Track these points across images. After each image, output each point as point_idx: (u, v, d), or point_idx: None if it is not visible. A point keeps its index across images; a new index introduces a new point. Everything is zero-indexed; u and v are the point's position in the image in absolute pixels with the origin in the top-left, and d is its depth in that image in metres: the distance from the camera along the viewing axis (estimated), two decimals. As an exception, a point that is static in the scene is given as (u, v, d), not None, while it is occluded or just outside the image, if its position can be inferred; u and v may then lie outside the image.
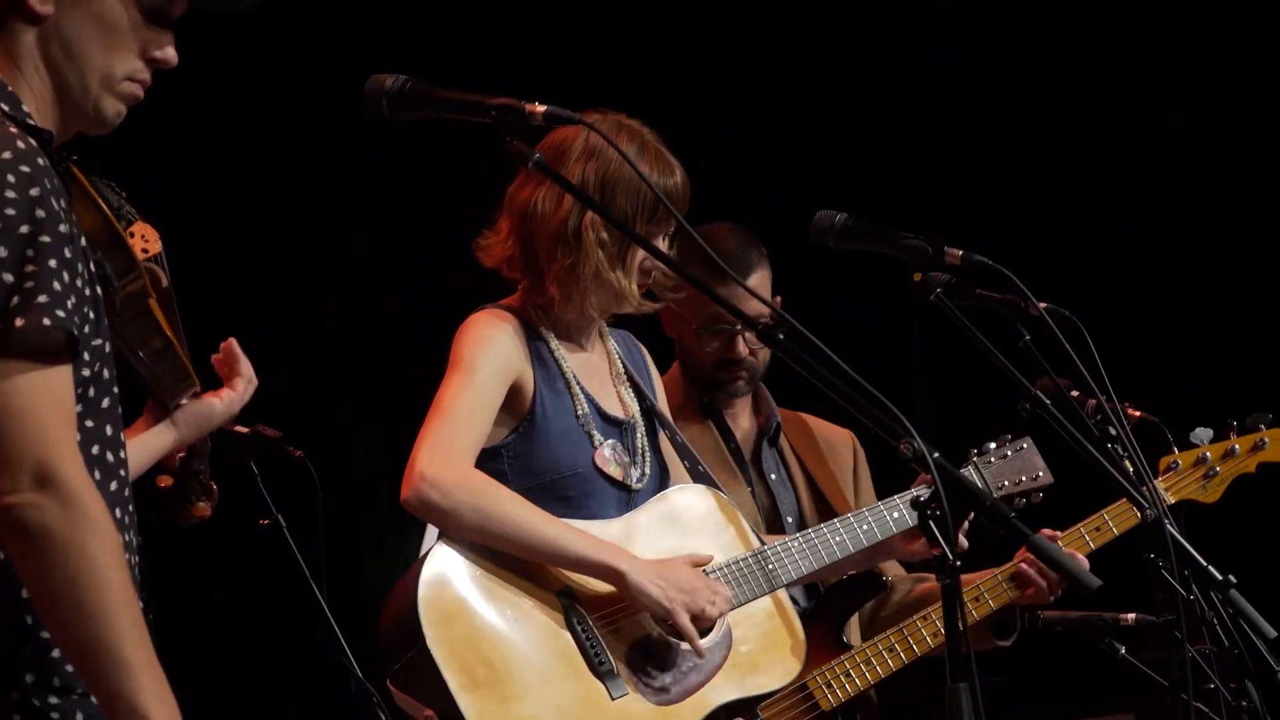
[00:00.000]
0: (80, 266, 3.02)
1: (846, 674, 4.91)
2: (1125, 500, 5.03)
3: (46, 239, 2.93)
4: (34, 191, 2.94)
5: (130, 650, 2.91)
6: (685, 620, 4.39)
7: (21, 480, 2.89)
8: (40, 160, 2.98)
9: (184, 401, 3.73)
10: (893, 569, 5.30)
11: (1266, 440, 5.14)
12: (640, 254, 4.47)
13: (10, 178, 2.94)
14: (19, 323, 2.90)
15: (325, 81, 6.75)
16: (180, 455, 3.81)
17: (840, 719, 4.91)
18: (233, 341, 3.81)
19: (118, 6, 3.15)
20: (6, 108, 3.08)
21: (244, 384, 3.79)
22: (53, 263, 2.93)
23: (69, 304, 2.94)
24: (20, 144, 2.97)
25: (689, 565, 4.47)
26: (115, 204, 3.42)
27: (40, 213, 2.94)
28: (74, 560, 2.90)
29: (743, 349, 5.23)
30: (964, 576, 5.01)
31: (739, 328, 5.19)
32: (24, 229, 2.92)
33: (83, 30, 3.14)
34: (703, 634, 4.45)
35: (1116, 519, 5.05)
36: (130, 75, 3.18)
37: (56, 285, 2.93)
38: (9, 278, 2.92)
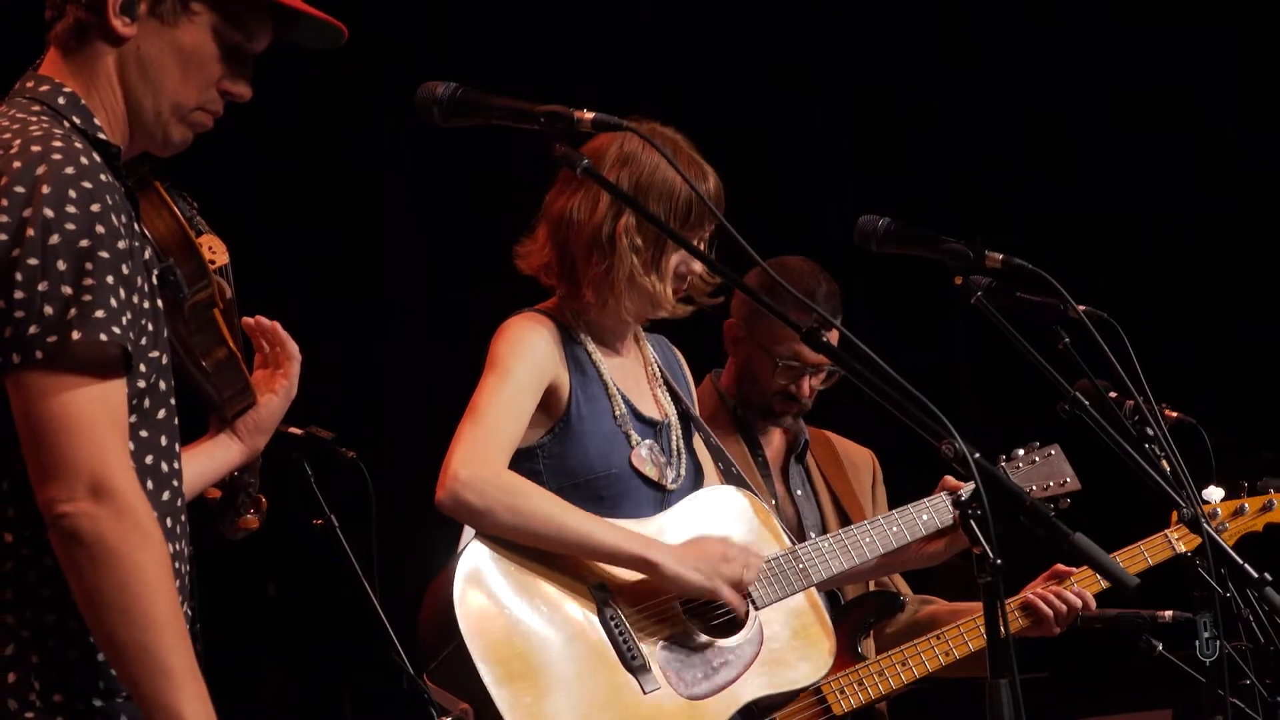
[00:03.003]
0: (140, 280, 3.07)
1: (860, 682, 5.01)
2: (1162, 535, 5.15)
3: (105, 254, 2.99)
4: (94, 207, 3.00)
5: (174, 658, 2.97)
6: (729, 593, 4.44)
7: (77, 489, 2.95)
8: (103, 176, 3.04)
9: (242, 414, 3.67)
10: (900, 587, 5.40)
11: (1275, 502, 5.25)
12: (674, 259, 4.52)
13: (72, 193, 2.99)
14: (76, 336, 2.96)
15: (373, 80, 6.81)
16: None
17: (850, 724, 5.01)
18: (277, 325, 3.75)
19: (200, 38, 3.21)
20: (78, 121, 3.14)
21: (295, 366, 3.72)
22: (110, 279, 2.98)
23: (124, 320, 2.99)
24: (84, 159, 3.03)
25: (715, 539, 4.51)
26: (187, 214, 3.44)
27: (100, 228, 2.99)
28: (125, 569, 2.95)
29: (807, 390, 5.33)
30: (971, 604, 5.11)
31: (810, 369, 5.28)
32: (84, 243, 2.98)
33: (162, 56, 3.20)
34: (737, 626, 4.51)
35: (1153, 551, 5.14)
36: (202, 106, 3.24)
37: (113, 301, 2.98)
38: (68, 290, 2.97)
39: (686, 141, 4.57)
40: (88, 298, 2.97)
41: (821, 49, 8.05)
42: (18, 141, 3.05)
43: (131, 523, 2.96)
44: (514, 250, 4.63)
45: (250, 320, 3.68)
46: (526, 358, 4.48)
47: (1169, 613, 5.10)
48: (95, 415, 2.97)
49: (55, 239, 2.98)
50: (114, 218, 3.03)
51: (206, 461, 3.60)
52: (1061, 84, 7.95)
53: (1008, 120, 7.99)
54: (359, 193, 7.27)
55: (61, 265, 2.97)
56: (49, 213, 2.98)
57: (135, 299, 3.05)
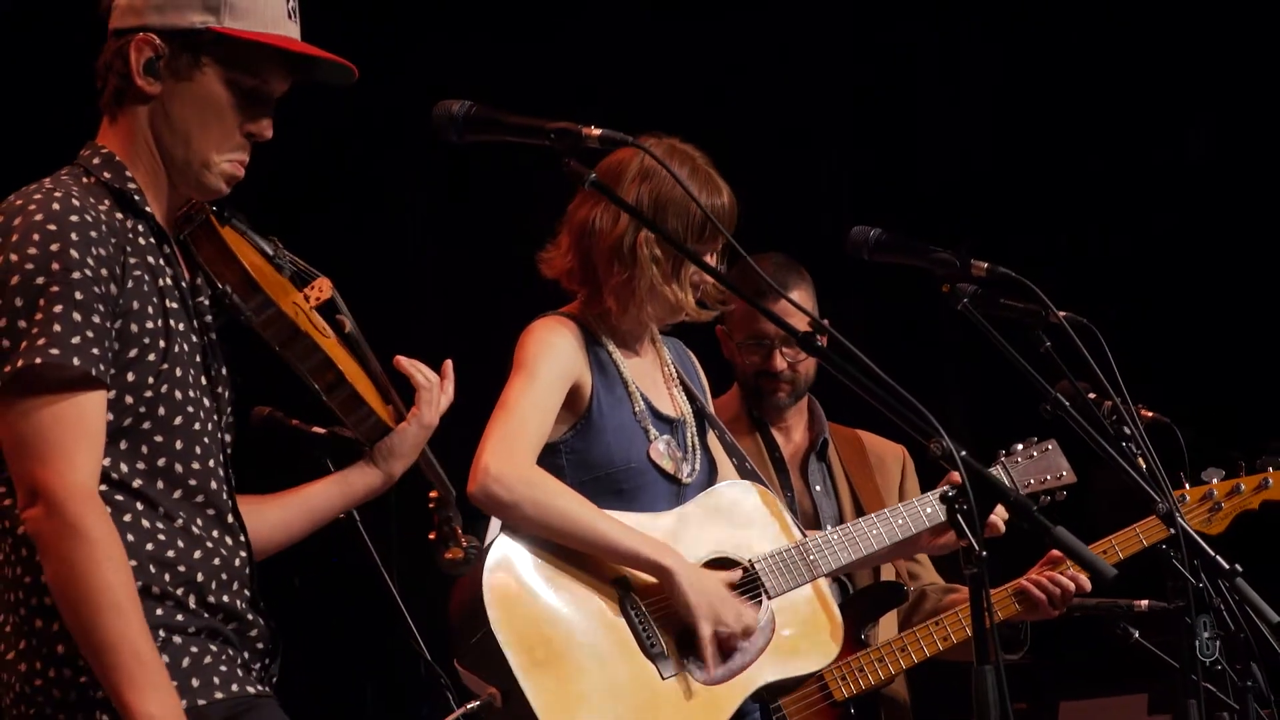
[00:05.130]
0: (136, 304, 3.36)
1: (860, 669, 5.16)
2: (1131, 530, 5.21)
3: (57, 288, 3.28)
4: (54, 246, 3.30)
5: (114, 654, 3.25)
6: (708, 632, 4.55)
7: (24, 497, 3.28)
8: (76, 217, 3.33)
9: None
10: (928, 576, 5.52)
11: (1270, 480, 5.31)
12: (691, 268, 4.63)
13: (35, 236, 3.31)
14: (20, 364, 3.26)
15: (387, 93, 6.92)
16: (432, 508, 4.01)
17: (852, 709, 5.14)
18: (400, 358, 3.94)
19: (213, 88, 3.47)
20: (108, 175, 3.45)
21: (425, 394, 3.90)
22: (58, 308, 3.28)
23: (79, 340, 3.27)
24: (56, 206, 3.33)
25: (725, 581, 4.64)
26: (271, 253, 3.69)
27: (55, 265, 3.29)
28: (58, 567, 3.25)
29: (780, 363, 5.46)
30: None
31: (776, 343, 5.43)
32: (38, 281, 3.29)
33: (183, 108, 3.47)
34: (731, 646, 4.63)
35: (1147, 532, 5.21)
36: (228, 156, 3.49)
37: (57, 327, 3.27)
38: (23, 324, 3.28)
39: (704, 158, 4.69)
40: (36, 330, 3.27)
41: (821, 49, 8.14)
42: (19, 202, 3.36)
43: (63, 523, 3.24)
44: (538, 255, 4.76)
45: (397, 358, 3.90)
46: (553, 358, 4.61)
47: (1145, 602, 5.21)
48: (43, 432, 3.27)
49: (15, 279, 3.30)
50: (83, 251, 3.31)
51: (344, 487, 3.87)
52: (1057, 87, 8.05)
53: (1006, 124, 8.09)
54: (371, 195, 7.39)
55: (18, 302, 3.28)
56: (13, 257, 3.30)
57: (120, 323, 3.33)
